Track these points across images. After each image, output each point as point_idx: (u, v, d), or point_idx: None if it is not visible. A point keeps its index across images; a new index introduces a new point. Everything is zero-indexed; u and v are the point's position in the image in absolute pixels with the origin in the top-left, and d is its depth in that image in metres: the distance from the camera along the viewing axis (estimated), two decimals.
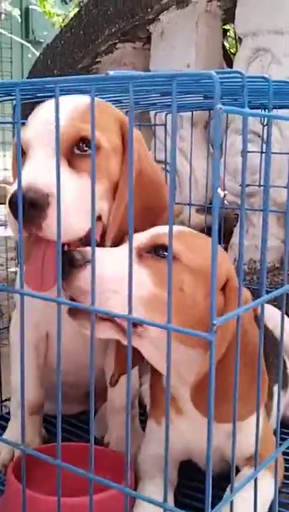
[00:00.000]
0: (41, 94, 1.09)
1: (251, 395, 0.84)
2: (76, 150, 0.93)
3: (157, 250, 0.88)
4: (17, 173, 0.80)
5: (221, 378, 0.74)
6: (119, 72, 0.69)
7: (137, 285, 0.80)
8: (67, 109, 0.94)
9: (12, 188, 0.89)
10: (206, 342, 0.88)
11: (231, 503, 0.74)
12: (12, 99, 1.17)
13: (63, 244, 0.91)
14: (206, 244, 0.91)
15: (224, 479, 0.90)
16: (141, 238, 0.90)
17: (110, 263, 0.85)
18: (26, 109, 1.06)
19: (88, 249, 0.84)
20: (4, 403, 1.42)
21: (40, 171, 0.89)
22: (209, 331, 0.63)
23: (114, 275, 0.83)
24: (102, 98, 1.09)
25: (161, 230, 0.92)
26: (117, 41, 2.11)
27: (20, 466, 0.99)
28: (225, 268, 0.90)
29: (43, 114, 0.96)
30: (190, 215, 1.91)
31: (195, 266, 0.87)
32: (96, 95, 0.70)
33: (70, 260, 0.84)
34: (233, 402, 0.73)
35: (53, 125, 0.71)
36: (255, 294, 0.81)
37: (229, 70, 0.72)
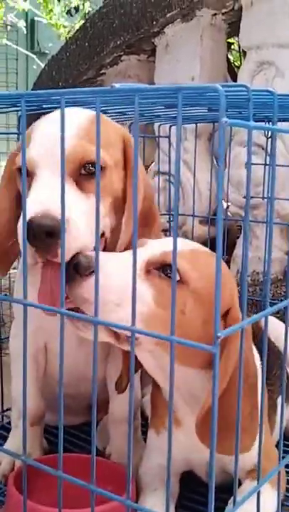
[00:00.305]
0: (46, 106, 1.10)
1: (253, 427, 0.85)
2: (83, 171, 0.93)
3: (165, 269, 0.87)
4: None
5: (223, 412, 0.73)
6: (124, 85, 0.69)
7: (139, 301, 0.80)
8: (73, 127, 0.92)
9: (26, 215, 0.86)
10: (205, 361, 0.89)
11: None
12: (17, 110, 1.18)
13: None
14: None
15: (225, 491, 0.89)
16: (154, 251, 0.88)
17: (116, 274, 0.84)
18: (31, 120, 1.07)
19: (94, 254, 0.84)
20: (6, 413, 1.42)
21: (52, 195, 0.87)
22: (213, 343, 0.63)
23: (119, 287, 0.82)
24: (107, 110, 1.09)
25: (161, 247, 0.89)
26: (122, 53, 2.13)
27: (21, 477, 0.99)
28: (229, 294, 0.89)
29: (49, 130, 0.94)
30: (193, 227, 1.92)
31: (201, 291, 0.86)
32: (101, 107, 0.70)
33: (76, 266, 0.84)
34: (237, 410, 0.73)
35: (58, 140, 0.71)
36: (259, 306, 0.81)
37: (234, 83, 0.72)
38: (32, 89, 2.64)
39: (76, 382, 1.07)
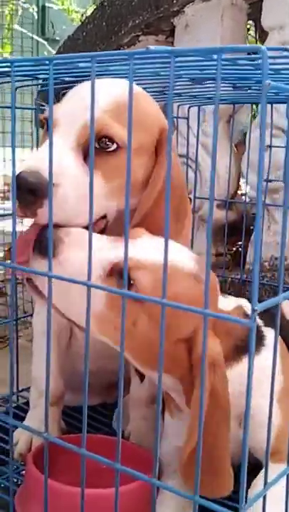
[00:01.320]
0: (69, 79, 1.07)
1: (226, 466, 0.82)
2: (96, 144, 0.89)
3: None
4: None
5: (205, 453, 0.72)
6: (159, 47, 0.66)
7: (93, 301, 0.76)
8: (102, 98, 0.89)
9: (21, 166, 0.86)
10: (179, 372, 0.85)
11: (264, 498, 0.72)
12: (42, 84, 1.15)
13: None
14: (185, 291, 0.83)
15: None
16: (118, 254, 0.84)
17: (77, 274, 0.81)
18: (45, 98, 1.04)
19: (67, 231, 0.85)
20: (21, 393, 1.41)
21: (55, 158, 0.85)
22: (250, 317, 0.61)
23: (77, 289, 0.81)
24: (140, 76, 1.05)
25: (141, 251, 0.85)
26: (140, 33, 2.08)
27: (40, 456, 0.97)
28: (192, 323, 0.84)
29: (80, 93, 0.92)
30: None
31: (157, 312, 0.80)
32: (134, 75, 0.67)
33: (39, 244, 0.84)
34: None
35: (84, 108, 0.69)
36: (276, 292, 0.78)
37: (276, 46, 0.69)
38: None
39: (97, 359, 1.06)
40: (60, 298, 0.84)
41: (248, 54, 0.77)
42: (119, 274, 0.82)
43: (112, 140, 0.89)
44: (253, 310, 0.61)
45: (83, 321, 0.75)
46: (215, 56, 0.62)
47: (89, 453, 0.77)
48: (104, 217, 0.96)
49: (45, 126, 0.99)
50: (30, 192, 0.83)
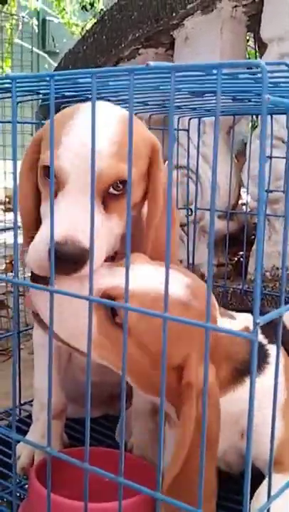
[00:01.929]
0: (72, 92, 1.08)
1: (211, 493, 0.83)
2: (111, 189, 0.90)
3: (112, 310, 0.86)
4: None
5: (187, 483, 0.75)
6: (160, 63, 0.67)
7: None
8: (105, 138, 0.88)
9: (48, 232, 0.83)
10: (170, 396, 0.84)
11: (268, 510, 0.71)
12: (43, 98, 1.16)
13: None
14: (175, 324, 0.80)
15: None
16: (118, 281, 0.85)
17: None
18: (46, 113, 1.04)
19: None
20: (23, 406, 1.40)
21: (81, 218, 0.85)
22: (252, 331, 0.61)
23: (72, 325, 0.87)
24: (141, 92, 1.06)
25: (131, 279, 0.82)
26: (140, 46, 2.10)
27: (42, 470, 0.97)
28: (182, 351, 0.84)
29: (81, 136, 0.88)
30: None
31: (147, 343, 0.83)
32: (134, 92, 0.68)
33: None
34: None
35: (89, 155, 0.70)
36: (278, 302, 0.78)
37: (276, 61, 0.70)
38: None
39: (101, 370, 1.05)
40: (60, 326, 0.87)
41: (248, 68, 0.77)
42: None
43: (124, 182, 0.90)
44: (256, 323, 0.61)
45: (84, 346, 0.76)
46: (215, 71, 0.63)
47: (92, 467, 0.77)
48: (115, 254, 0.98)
49: (43, 176, 0.95)
50: (68, 260, 0.84)
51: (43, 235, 0.87)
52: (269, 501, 0.71)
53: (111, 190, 0.90)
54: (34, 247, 0.87)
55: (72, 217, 0.85)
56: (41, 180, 0.95)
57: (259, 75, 0.77)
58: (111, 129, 0.90)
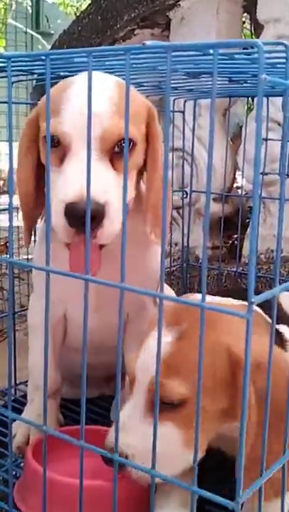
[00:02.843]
0: (65, 73, 1.08)
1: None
2: (116, 148, 0.91)
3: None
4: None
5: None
6: (156, 42, 0.67)
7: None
8: (105, 100, 0.90)
9: (63, 196, 0.86)
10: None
11: (260, 488, 0.72)
12: (38, 79, 1.15)
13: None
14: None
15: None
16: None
17: None
18: (40, 93, 1.03)
19: None
20: (18, 387, 1.41)
21: (94, 176, 0.85)
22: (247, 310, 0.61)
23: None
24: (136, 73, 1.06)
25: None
26: (135, 27, 2.08)
27: (38, 448, 0.98)
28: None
29: (81, 100, 0.89)
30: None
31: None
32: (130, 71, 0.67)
33: None
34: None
35: (97, 118, 0.70)
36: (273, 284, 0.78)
37: (273, 41, 0.69)
38: None
39: (95, 351, 1.06)
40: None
41: (244, 49, 0.77)
42: None
43: (130, 141, 0.92)
44: (250, 302, 0.62)
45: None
46: (211, 51, 0.62)
47: (88, 445, 0.78)
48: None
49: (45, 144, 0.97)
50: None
51: (58, 197, 0.87)
52: (261, 478, 0.72)
53: (116, 149, 0.91)
54: (54, 212, 0.87)
55: (83, 176, 0.85)
56: (44, 151, 0.95)
57: (256, 55, 0.77)
58: (110, 92, 0.91)
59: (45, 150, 0.93)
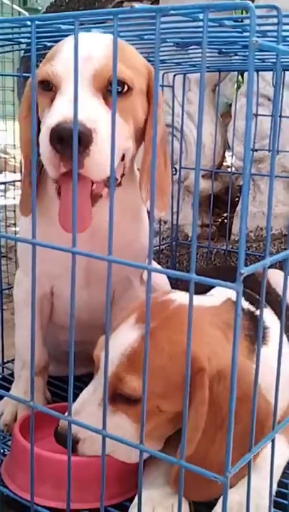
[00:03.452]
0: (50, 44, 1.05)
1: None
2: (110, 88, 0.89)
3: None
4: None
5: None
6: (145, 5, 0.64)
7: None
8: (101, 47, 0.90)
9: (50, 120, 0.83)
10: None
11: (249, 462, 0.72)
12: (25, 49, 1.12)
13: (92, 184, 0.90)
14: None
15: None
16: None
17: None
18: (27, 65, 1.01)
19: None
20: (6, 365, 1.40)
21: (82, 105, 0.83)
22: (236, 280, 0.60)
23: None
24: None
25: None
26: None
27: (25, 426, 0.97)
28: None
29: (69, 48, 0.90)
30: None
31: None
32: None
33: None
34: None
35: (84, 59, 0.67)
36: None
37: (265, 3, 0.67)
38: None
39: (83, 328, 1.05)
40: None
41: (236, 15, 0.75)
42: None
43: (123, 83, 0.91)
44: (240, 274, 0.60)
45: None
46: (201, 16, 0.60)
47: (75, 420, 0.77)
48: (123, 158, 0.98)
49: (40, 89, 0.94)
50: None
51: (45, 123, 0.85)
52: (251, 453, 0.71)
53: (110, 88, 0.89)
54: (42, 143, 0.84)
55: (70, 103, 0.84)
56: (38, 95, 0.93)
57: (247, 22, 0.75)
58: (104, 39, 0.92)
59: (38, 92, 0.92)
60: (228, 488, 0.65)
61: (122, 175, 0.99)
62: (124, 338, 0.90)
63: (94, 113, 0.85)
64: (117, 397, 0.89)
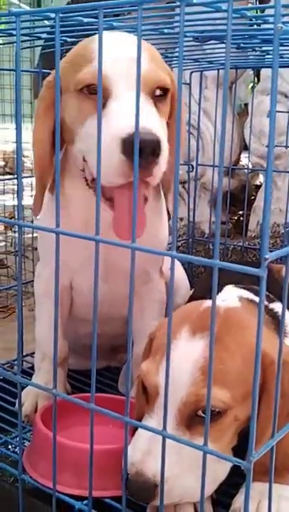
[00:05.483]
0: (71, 40, 1.06)
1: None
2: (158, 91, 0.92)
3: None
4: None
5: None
6: None
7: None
8: (144, 49, 0.88)
9: (116, 130, 0.83)
10: None
11: (272, 448, 0.72)
12: (47, 45, 1.13)
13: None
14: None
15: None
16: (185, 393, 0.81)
17: None
18: (50, 58, 1.02)
19: None
20: (25, 358, 1.41)
21: (145, 115, 0.85)
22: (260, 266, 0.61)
23: None
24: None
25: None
26: None
27: (47, 415, 0.98)
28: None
29: (117, 45, 0.90)
30: (213, 178, 1.88)
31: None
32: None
33: None
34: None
35: (131, 60, 0.75)
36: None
37: None
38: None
39: (102, 321, 1.06)
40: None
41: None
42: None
43: (164, 88, 0.93)
44: (264, 259, 0.61)
45: None
46: (224, 6, 0.61)
47: (97, 407, 0.78)
48: None
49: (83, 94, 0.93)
50: (150, 152, 0.83)
51: (110, 132, 0.84)
52: (273, 439, 0.72)
53: (158, 93, 0.92)
54: (105, 152, 0.81)
55: (132, 112, 0.81)
56: (78, 101, 0.93)
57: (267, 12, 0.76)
58: (133, 39, 0.92)
59: (80, 98, 0.92)
60: (251, 475, 0.66)
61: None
62: (189, 352, 0.83)
63: (156, 120, 0.87)
64: (195, 420, 0.81)
